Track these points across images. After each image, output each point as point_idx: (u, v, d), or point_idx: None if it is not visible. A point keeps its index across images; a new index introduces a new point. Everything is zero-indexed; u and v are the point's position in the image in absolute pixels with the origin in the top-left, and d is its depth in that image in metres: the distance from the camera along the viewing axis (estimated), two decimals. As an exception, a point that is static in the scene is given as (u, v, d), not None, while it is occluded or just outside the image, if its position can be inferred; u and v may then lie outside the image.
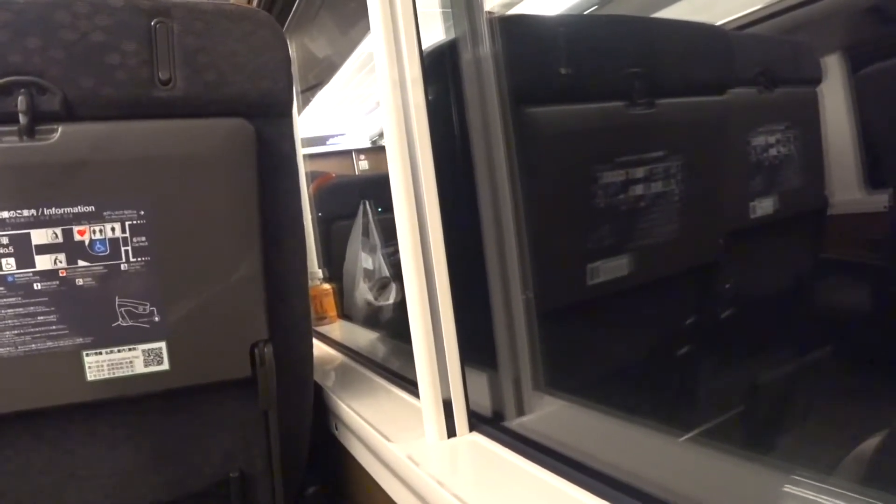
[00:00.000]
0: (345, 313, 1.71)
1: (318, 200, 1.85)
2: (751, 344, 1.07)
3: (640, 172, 0.89)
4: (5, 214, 0.73)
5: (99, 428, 0.84)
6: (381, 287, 1.54)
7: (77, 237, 0.76)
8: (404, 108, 0.73)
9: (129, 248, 0.78)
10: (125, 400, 0.82)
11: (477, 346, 0.78)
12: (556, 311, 0.84)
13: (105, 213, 0.77)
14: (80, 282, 0.77)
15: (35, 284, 0.75)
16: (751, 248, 1.11)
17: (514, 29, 0.83)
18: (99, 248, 0.77)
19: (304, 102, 2.70)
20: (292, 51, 1.85)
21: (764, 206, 1.09)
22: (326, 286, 1.65)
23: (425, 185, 0.73)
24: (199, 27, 0.81)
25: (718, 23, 1.32)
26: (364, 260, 1.60)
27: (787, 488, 0.51)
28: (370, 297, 1.54)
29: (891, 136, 1.15)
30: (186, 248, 0.80)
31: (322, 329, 1.56)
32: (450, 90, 0.79)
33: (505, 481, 0.64)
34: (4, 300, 0.74)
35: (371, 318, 1.55)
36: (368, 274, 1.59)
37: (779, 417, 1.00)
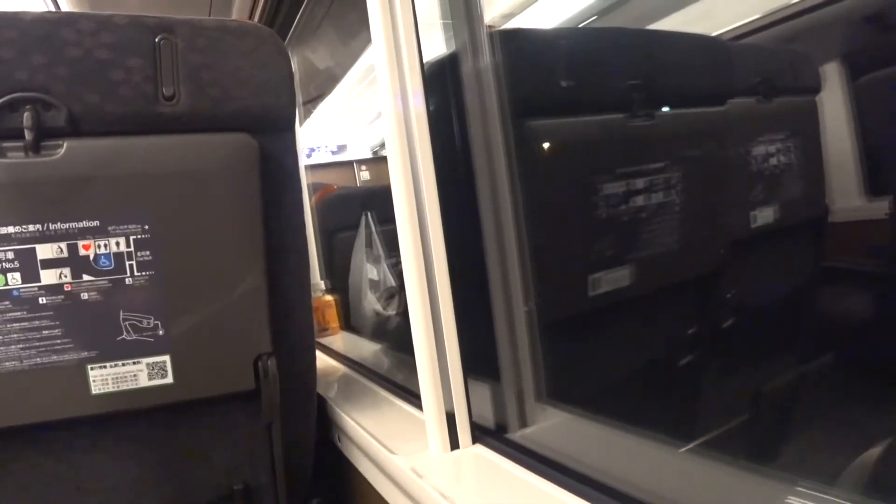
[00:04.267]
0: (351, 324, 1.71)
1: (320, 212, 1.85)
2: (753, 353, 1.07)
3: (640, 183, 0.90)
4: (11, 229, 0.74)
5: (104, 441, 0.84)
6: (389, 297, 1.55)
7: (82, 252, 0.77)
8: (405, 120, 0.73)
9: (134, 262, 0.78)
10: (130, 413, 0.82)
11: (479, 358, 0.78)
12: (559, 322, 0.84)
13: (110, 228, 0.77)
14: (84, 296, 0.77)
15: (40, 299, 0.76)
16: (752, 258, 1.11)
17: (513, 42, 0.83)
18: (104, 263, 0.77)
19: (306, 114, 2.71)
20: (294, 64, 1.86)
21: (765, 216, 1.09)
22: (328, 298, 1.66)
23: (427, 196, 0.73)
24: (203, 43, 0.82)
25: (717, 33, 1.33)
26: (369, 271, 1.60)
27: (791, 499, 0.51)
28: (378, 307, 1.54)
29: (890, 143, 1.16)
30: (190, 263, 0.81)
31: (324, 341, 1.57)
32: (451, 102, 0.80)
33: (508, 493, 0.64)
34: (10, 314, 0.75)
35: (380, 328, 1.55)
36: (374, 285, 1.59)
37: (781, 427, 1.00)
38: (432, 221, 0.73)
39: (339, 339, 1.61)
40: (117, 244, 0.78)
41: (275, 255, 0.86)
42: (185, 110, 0.81)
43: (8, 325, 0.75)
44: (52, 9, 1.73)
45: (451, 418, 0.75)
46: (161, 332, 0.80)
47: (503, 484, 0.66)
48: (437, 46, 0.81)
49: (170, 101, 0.81)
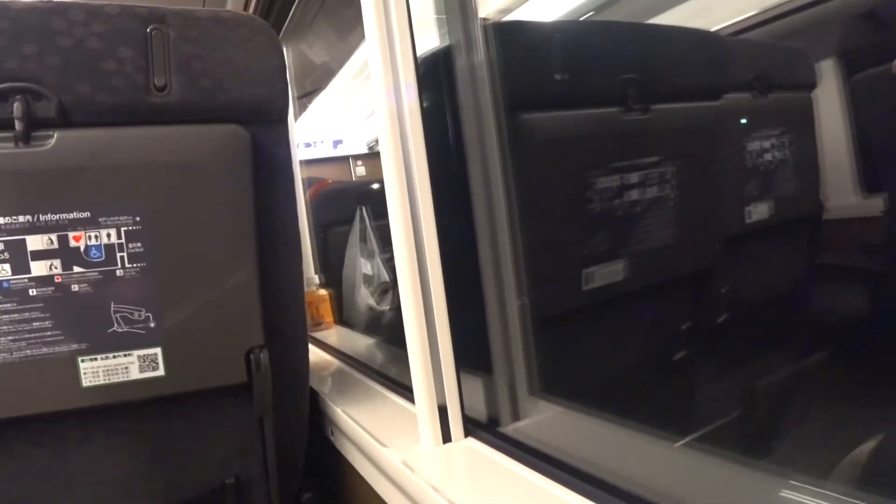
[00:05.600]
0: (344, 319, 1.70)
1: (315, 206, 1.85)
2: (747, 349, 1.07)
3: (635, 178, 0.90)
4: (0, 220, 0.73)
5: (95, 434, 0.84)
6: (383, 292, 1.54)
7: (72, 243, 0.76)
8: (399, 115, 0.73)
9: (125, 253, 0.78)
10: (121, 406, 0.82)
11: (472, 351, 0.78)
12: (552, 316, 0.84)
13: (100, 219, 0.77)
14: (75, 287, 0.77)
15: (30, 290, 0.75)
16: (747, 254, 1.11)
17: (508, 35, 0.83)
18: (94, 254, 0.77)
19: (301, 108, 2.70)
20: (288, 57, 1.86)
21: (759, 211, 1.09)
22: (323, 292, 1.65)
23: (420, 191, 0.73)
24: (195, 34, 0.82)
25: (714, 28, 1.32)
26: (363, 265, 1.60)
27: (784, 493, 0.51)
28: (371, 301, 1.54)
29: (885, 140, 1.16)
30: (182, 254, 0.80)
31: (318, 335, 1.56)
32: (444, 96, 0.80)
33: (500, 486, 0.64)
34: (0, 306, 0.74)
35: (372, 323, 1.55)
36: (368, 279, 1.59)
37: (775, 422, 1.00)
38: (425, 215, 0.73)
39: (334, 334, 1.60)
40: (108, 235, 0.77)
41: (267, 247, 0.86)
42: (176, 101, 0.81)
43: (-2, 317, 0.74)
44: None
45: (443, 412, 0.75)
46: (152, 325, 0.80)
47: (495, 477, 0.66)
48: (431, 41, 0.81)
49: (161, 92, 0.80)
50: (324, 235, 1.83)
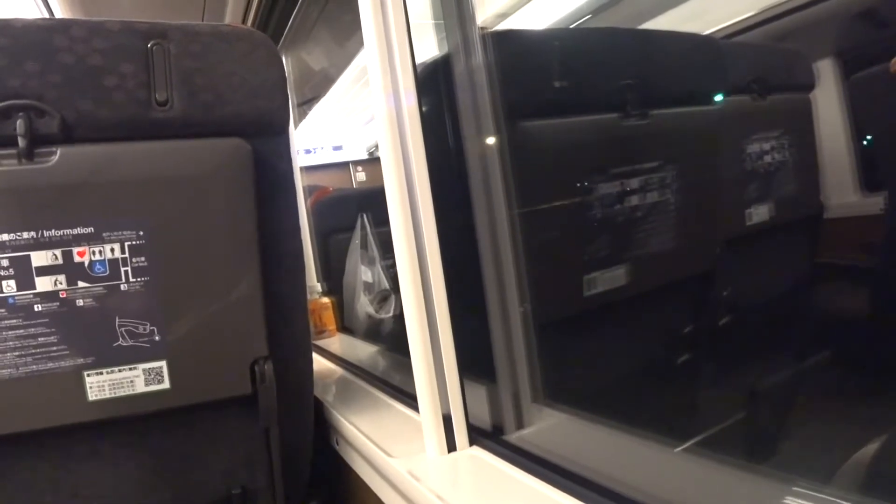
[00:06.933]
0: (345, 326, 1.71)
1: (316, 214, 1.85)
2: (750, 351, 1.08)
3: (635, 183, 0.90)
4: (5, 237, 0.74)
5: (101, 447, 0.84)
6: (382, 299, 1.54)
7: (77, 258, 0.77)
8: (398, 121, 0.73)
9: (129, 268, 0.78)
10: (127, 419, 0.82)
11: (475, 359, 0.78)
12: (554, 323, 0.84)
13: (104, 234, 0.77)
14: (80, 303, 0.77)
15: (35, 306, 0.76)
16: (748, 255, 1.12)
17: (506, 43, 0.83)
18: (99, 269, 0.77)
19: (301, 115, 2.70)
20: (288, 66, 1.86)
21: (760, 213, 1.09)
22: (325, 300, 1.66)
23: (421, 198, 0.73)
24: (196, 49, 0.82)
25: (710, 31, 1.33)
26: (363, 273, 1.60)
27: (788, 500, 0.51)
28: (371, 309, 1.54)
29: (885, 138, 1.16)
30: (186, 268, 0.81)
31: (321, 343, 1.57)
32: (444, 104, 0.80)
33: (505, 495, 0.64)
34: (5, 322, 0.75)
35: (372, 331, 1.55)
36: (368, 287, 1.59)
37: (778, 424, 1.00)
38: (426, 223, 0.73)
39: (337, 342, 1.61)
40: (112, 250, 0.78)
41: (270, 258, 0.86)
42: (178, 115, 0.81)
43: (3, 333, 0.75)
44: (46, 15, 1.73)
45: (447, 420, 0.75)
46: (157, 338, 0.80)
47: (500, 486, 0.66)
48: (430, 48, 0.81)
49: (163, 107, 0.81)
50: (325, 242, 1.83)
